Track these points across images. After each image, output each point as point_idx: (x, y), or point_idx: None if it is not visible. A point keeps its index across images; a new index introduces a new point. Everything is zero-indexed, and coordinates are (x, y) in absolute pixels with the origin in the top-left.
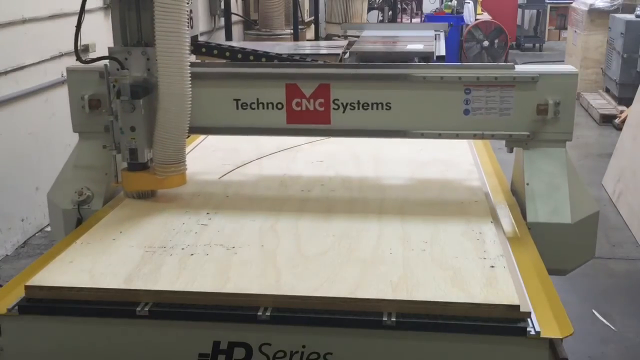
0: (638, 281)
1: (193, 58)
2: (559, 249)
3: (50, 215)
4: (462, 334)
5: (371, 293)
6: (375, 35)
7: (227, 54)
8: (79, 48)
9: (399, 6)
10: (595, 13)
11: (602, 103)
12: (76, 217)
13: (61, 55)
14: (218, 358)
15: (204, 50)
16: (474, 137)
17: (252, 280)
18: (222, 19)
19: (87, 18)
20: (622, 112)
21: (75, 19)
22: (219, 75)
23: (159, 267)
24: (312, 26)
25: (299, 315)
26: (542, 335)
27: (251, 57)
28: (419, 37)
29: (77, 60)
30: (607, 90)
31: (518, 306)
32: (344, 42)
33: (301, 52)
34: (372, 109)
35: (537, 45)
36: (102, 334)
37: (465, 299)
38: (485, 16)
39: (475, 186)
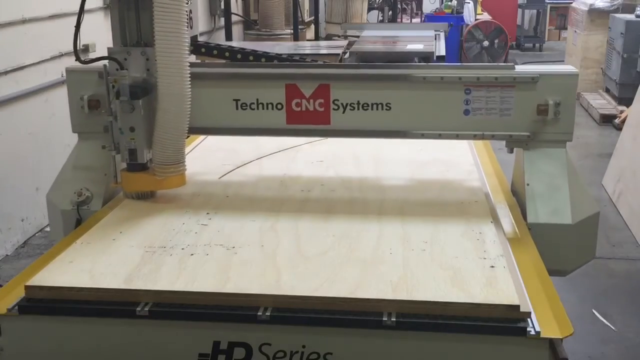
0: (638, 281)
1: (193, 58)
2: (559, 249)
3: (49, 216)
4: (462, 334)
5: (371, 293)
6: (375, 35)
7: (227, 54)
8: (78, 48)
9: (399, 6)
10: (595, 13)
11: (602, 103)
12: (75, 218)
13: (61, 55)
14: (218, 358)
15: (203, 50)
16: (474, 137)
17: (252, 280)
18: (222, 19)
19: (87, 18)
20: (622, 112)
21: (75, 19)
22: (219, 75)
23: (159, 267)
24: (312, 26)
25: (299, 315)
26: (542, 335)
27: (251, 58)
28: (419, 37)
29: (76, 60)
30: (607, 90)
31: (518, 306)
32: (344, 42)
33: (301, 52)
34: (372, 109)
35: (537, 45)
36: (102, 334)
37: (465, 299)
38: (485, 16)
39: (475, 186)
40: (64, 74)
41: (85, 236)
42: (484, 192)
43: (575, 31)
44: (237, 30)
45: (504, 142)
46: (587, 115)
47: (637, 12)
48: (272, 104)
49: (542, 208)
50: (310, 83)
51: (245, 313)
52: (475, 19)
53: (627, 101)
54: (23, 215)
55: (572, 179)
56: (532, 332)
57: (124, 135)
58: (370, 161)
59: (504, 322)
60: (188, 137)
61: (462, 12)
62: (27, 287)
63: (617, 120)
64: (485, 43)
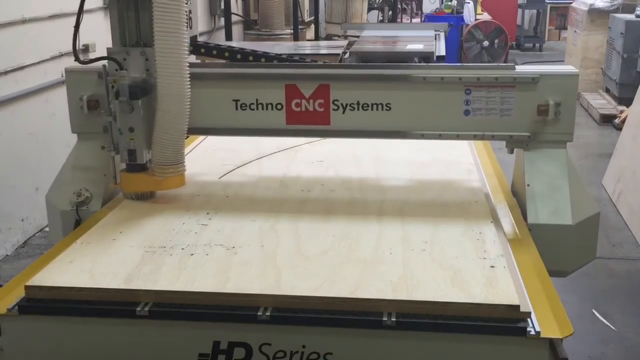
0: (638, 281)
1: (193, 58)
2: (559, 250)
3: (48, 216)
4: (462, 334)
5: (371, 293)
6: (375, 35)
7: (227, 54)
8: (77, 48)
9: (399, 6)
10: (595, 13)
11: (602, 103)
12: (74, 219)
13: (61, 56)
14: (218, 358)
15: (203, 50)
16: (475, 137)
17: (252, 280)
18: (222, 19)
19: (87, 18)
20: (622, 112)
21: (75, 19)
22: (218, 75)
23: (159, 267)
24: (312, 26)
25: (299, 315)
26: (542, 335)
27: (250, 58)
28: (419, 37)
29: (75, 60)
30: (607, 90)
31: (518, 306)
32: (344, 42)
33: (301, 52)
34: (372, 109)
35: (537, 45)
36: (102, 334)
37: (465, 299)
38: (485, 16)
39: (475, 186)
40: (64, 74)
41: (85, 236)
42: (484, 192)
43: (575, 31)
44: (237, 30)
45: (504, 142)
46: (587, 115)
47: (637, 12)
48: (271, 104)
49: (543, 208)
50: (310, 83)
51: (245, 313)
52: (475, 19)
53: (627, 101)
54: (23, 215)
55: (573, 180)
56: (532, 332)
57: (123, 136)
58: (370, 161)
59: (504, 322)
60: (187, 137)
61: (462, 12)
62: (27, 287)
63: (617, 120)
64: (485, 43)
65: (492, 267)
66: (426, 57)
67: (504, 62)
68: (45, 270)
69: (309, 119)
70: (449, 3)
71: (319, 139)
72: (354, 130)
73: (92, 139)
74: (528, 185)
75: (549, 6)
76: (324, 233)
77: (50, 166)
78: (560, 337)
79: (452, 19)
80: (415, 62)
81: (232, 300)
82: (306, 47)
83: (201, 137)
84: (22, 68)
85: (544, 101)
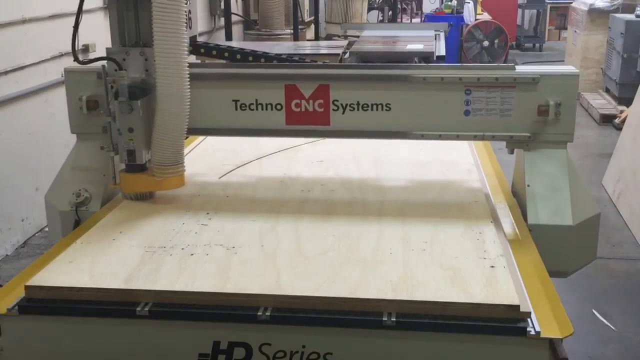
0: (638, 281)
1: (193, 58)
2: (560, 251)
3: (47, 217)
4: (462, 334)
5: (371, 293)
6: (375, 35)
7: (226, 54)
8: (76, 49)
9: (399, 6)
10: (595, 13)
11: (602, 103)
12: (74, 219)
13: (61, 56)
14: (218, 358)
15: (202, 50)
16: (475, 138)
17: (252, 280)
18: (222, 19)
19: (87, 18)
20: (622, 112)
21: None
22: (218, 76)
23: (159, 267)
24: (312, 26)
25: (299, 315)
26: (542, 335)
27: (250, 58)
28: (419, 37)
29: (74, 61)
30: (607, 90)
31: (518, 306)
32: (344, 42)
33: (301, 52)
34: (372, 109)
35: (537, 45)
36: (102, 334)
37: (465, 299)
38: (485, 16)
39: (475, 187)
40: (64, 74)
41: (85, 236)
42: (484, 192)
43: (575, 31)
44: (237, 30)
45: (504, 143)
46: (587, 115)
47: (637, 12)
48: (271, 104)
49: (543, 209)
50: (310, 83)
51: (245, 313)
52: (475, 19)
53: (627, 101)
54: (23, 215)
55: (573, 180)
56: (532, 332)
57: (122, 136)
58: (370, 161)
59: (504, 322)
60: (187, 137)
61: (462, 12)
62: (27, 287)
63: (617, 120)
64: (485, 43)
65: (492, 267)
66: (426, 57)
67: (504, 62)
68: (45, 270)
69: (308, 119)
70: (449, 3)
71: (319, 139)
72: (354, 131)
73: (91, 140)
74: (528, 185)
75: (549, 6)
76: (324, 233)
77: (50, 166)
78: (560, 337)
79: (452, 19)
80: (415, 62)
81: (232, 300)
82: (306, 47)
83: (201, 138)
84: (22, 68)
85: (544, 101)
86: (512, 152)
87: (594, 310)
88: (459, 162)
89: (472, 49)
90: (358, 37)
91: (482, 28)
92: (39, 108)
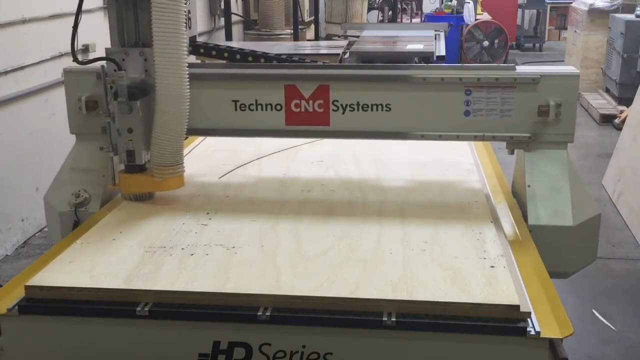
0: (638, 281)
1: (193, 59)
2: (560, 251)
3: (47, 217)
4: (462, 334)
5: (371, 293)
6: (375, 35)
7: (226, 54)
8: (75, 49)
9: (399, 6)
10: (595, 13)
11: (602, 103)
12: (73, 220)
13: (61, 56)
14: (218, 358)
15: (202, 51)
16: (475, 138)
17: (252, 280)
18: (222, 19)
19: (87, 18)
20: (622, 112)
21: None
22: (218, 76)
23: (159, 267)
24: (312, 26)
25: (299, 315)
26: (542, 335)
27: (250, 58)
28: (419, 37)
29: (73, 61)
30: (607, 90)
31: (518, 306)
32: (344, 42)
33: (301, 52)
34: (371, 110)
35: (537, 45)
36: (102, 334)
37: (465, 299)
38: (485, 16)
39: (475, 187)
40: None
41: (85, 236)
42: (484, 192)
43: (575, 31)
44: (237, 30)
45: (504, 143)
46: (587, 115)
47: (637, 12)
48: (271, 104)
49: (543, 210)
50: (310, 84)
51: (245, 313)
52: (475, 19)
53: (627, 101)
54: (23, 215)
55: (573, 181)
56: (532, 332)
57: (122, 137)
58: (370, 161)
59: (504, 322)
60: (187, 138)
61: (462, 12)
62: (27, 287)
63: (617, 120)
64: (485, 43)
65: (492, 267)
66: (426, 57)
67: (504, 62)
68: (45, 270)
69: (308, 119)
70: (449, 3)
71: (319, 139)
72: (354, 131)
73: (90, 140)
74: (529, 186)
75: (549, 6)
76: (324, 233)
77: (50, 166)
78: (560, 337)
79: (452, 19)
80: (415, 62)
81: (232, 300)
82: (306, 47)
83: (200, 138)
84: (22, 68)
85: (544, 102)
86: (512, 152)
87: (594, 310)
88: (459, 162)
89: (472, 49)
90: (358, 37)
91: (482, 28)
92: (39, 108)
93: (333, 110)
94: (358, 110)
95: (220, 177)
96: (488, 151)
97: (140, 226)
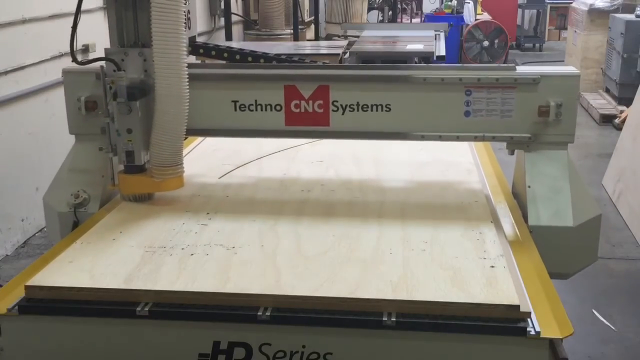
0: (638, 281)
1: (193, 59)
2: (560, 252)
3: (46, 218)
4: (462, 334)
5: (371, 293)
6: (375, 35)
7: (225, 54)
8: (75, 49)
9: (399, 6)
10: (595, 13)
11: (602, 103)
12: (72, 220)
13: (61, 56)
14: (218, 358)
15: (201, 51)
16: (475, 139)
17: (252, 280)
18: (222, 19)
19: (87, 18)
20: (622, 112)
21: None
22: (217, 76)
23: (159, 267)
24: (312, 26)
25: (299, 315)
26: (542, 335)
27: (249, 58)
28: (419, 37)
29: (72, 61)
30: (607, 90)
31: (518, 306)
32: (344, 42)
33: (301, 52)
34: (371, 110)
35: (537, 45)
36: (102, 334)
37: (465, 299)
38: (485, 16)
39: (475, 187)
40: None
41: (85, 236)
42: (484, 192)
43: (575, 31)
44: (237, 30)
45: (504, 143)
46: (587, 115)
47: (637, 12)
48: (270, 105)
49: (544, 210)
50: (310, 84)
51: (245, 313)
52: (475, 19)
53: (627, 101)
54: (23, 215)
55: (574, 181)
56: (532, 332)
57: (121, 137)
58: (370, 161)
59: (504, 322)
60: (186, 138)
61: (462, 12)
62: (27, 287)
63: (617, 120)
64: (485, 43)
65: (492, 267)
66: (426, 57)
67: (504, 62)
68: (45, 270)
69: (308, 120)
70: (449, 3)
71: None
72: (354, 132)
73: (90, 140)
74: (529, 186)
75: (549, 6)
76: (324, 233)
77: (50, 166)
78: (560, 337)
79: (452, 19)
80: (415, 63)
81: (232, 300)
82: (306, 47)
83: (200, 138)
84: (22, 68)
85: (544, 102)
86: (512, 153)
87: (594, 310)
88: (459, 162)
89: (472, 49)
90: (358, 37)
91: (482, 28)
92: (39, 108)
93: (333, 110)
94: (358, 110)
95: (220, 177)
96: (488, 151)
97: (140, 226)
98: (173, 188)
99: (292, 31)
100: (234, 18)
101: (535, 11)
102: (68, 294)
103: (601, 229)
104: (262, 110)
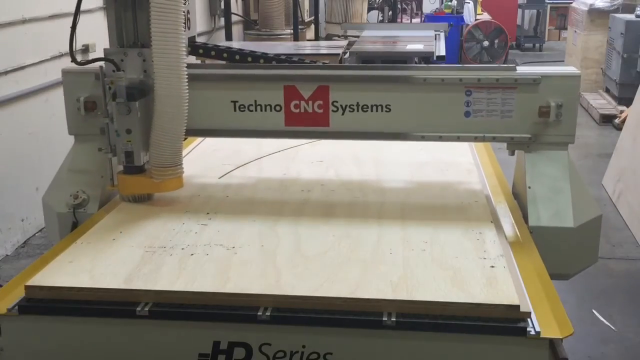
0: (638, 281)
1: (193, 59)
2: (561, 253)
3: (45, 218)
4: (462, 334)
5: (371, 293)
6: (375, 35)
7: (225, 55)
8: (74, 49)
9: (399, 6)
10: (595, 13)
11: (602, 103)
12: (71, 221)
13: (61, 55)
14: (218, 358)
15: (201, 51)
16: (475, 139)
17: (252, 280)
18: (222, 19)
19: (87, 18)
20: (622, 112)
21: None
22: (217, 76)
23: (159, 267)
24: (312, 26)
25: (299, 315)
26: (542, 335)
27: (249, 59)
28: (419, 37)
29: (72, 61)
30: (607, 90)
31: (518, 306)
32: (344, 42)
33: (301, 52)
34: (371, 110)
35: (537, 45)
36: (102, 334)
37: (465, 299)
38: (485, 16)
39: (475, 187)
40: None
41: (85, 236)
42: (484, 192)
43: (575, 31)
44: (237, 30)
45: (504, 143)
46: (587, 115)
47: (637, 12)
48: (270, 105)
49: (544, 211)
50: (309, 84)
51: (245, 313)
52: (475, 19)
53: (627, 101)
54: (23, 215)
55: (574, 182)
56: (532, 332)
57: (120, 138)
58: (370, 161)
59: (504, 322)
60: (186, 139)
61: (462, 12)
62: (27, 287)
63: (617, 120)
64: (485, 43)
65: (492, 267)
66: (426, 57)
67: (504, 63)
68: (45, 270)
69: (308, 120)
70: (449, 3)
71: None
72: (354, 132)
73: (89, 141)
74: (529, 187)
75: (549, 6)
76: (324, 233)
77: (50, 166)
78: (560, 337)
79: (452, 19)
80: (415, 63)
81: (232, 300)
82: (306, 47)
83: (200, 138)
84: (22, 68)
85: (545, 102)
86: (512, 153)
87: (594, 310)
88: (459, 162)
89: (472, 49)
90: (358, 37)
91: (482, 28)
92: (39, 108)
93: (333, 110)
94: (358, 110)
95: (220, 177)
96: (488, 151)
97: (140, 226)
98: (173, 189)
99: (292, 31)
100: (234, 18)
101: (535, 11)
102: (68, 294)
103: (601, 229)
104: (261, 110)
